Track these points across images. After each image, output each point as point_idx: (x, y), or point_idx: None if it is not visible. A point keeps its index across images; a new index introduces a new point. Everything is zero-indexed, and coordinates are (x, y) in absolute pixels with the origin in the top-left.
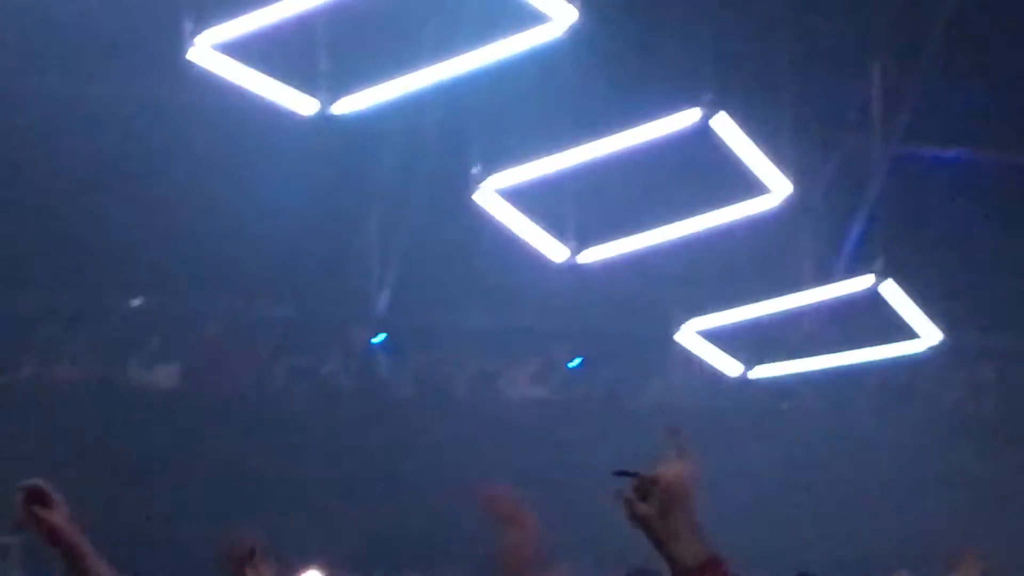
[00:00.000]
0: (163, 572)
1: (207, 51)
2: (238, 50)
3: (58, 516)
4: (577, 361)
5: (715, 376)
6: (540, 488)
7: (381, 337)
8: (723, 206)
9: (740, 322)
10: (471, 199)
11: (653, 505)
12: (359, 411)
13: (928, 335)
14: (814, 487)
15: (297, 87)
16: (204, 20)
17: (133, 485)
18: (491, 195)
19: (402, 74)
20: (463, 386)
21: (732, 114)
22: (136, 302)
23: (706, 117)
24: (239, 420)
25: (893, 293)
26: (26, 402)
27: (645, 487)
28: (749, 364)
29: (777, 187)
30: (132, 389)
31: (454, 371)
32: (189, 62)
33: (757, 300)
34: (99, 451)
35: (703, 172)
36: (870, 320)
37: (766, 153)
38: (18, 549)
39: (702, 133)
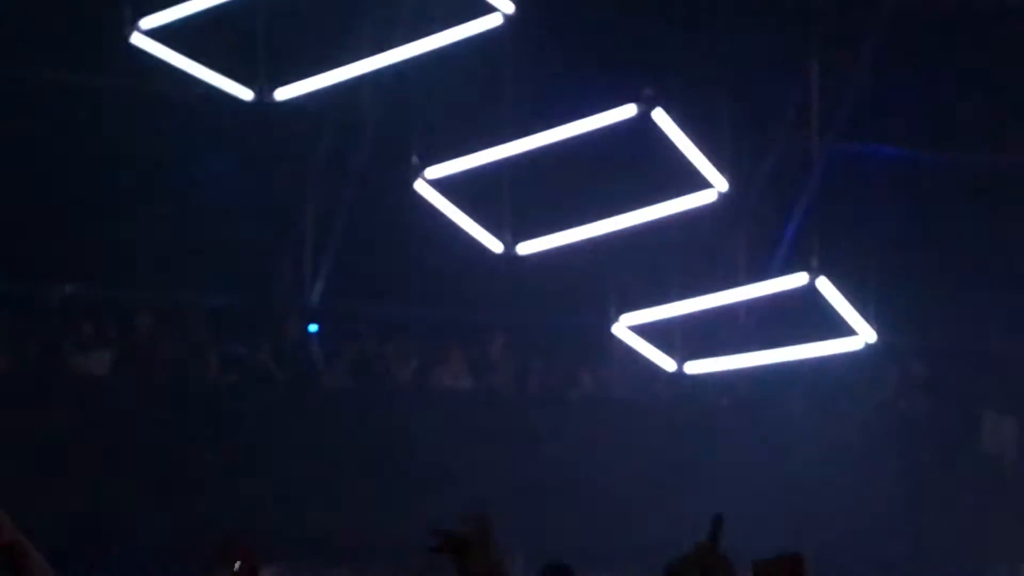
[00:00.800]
0: (89, 556)
1: (147, 36)
2: (177, 36)
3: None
4: (509, 354)
5: (651, 370)
6: (473, 480)
7: (314, 327)
8: (660, 201)
9: (676, 317)
10: (409, 189)
11: None
12: (292, 400)
13: (862, 332)
14: (747, 481)
15: (235, 74)
16: (143, 6)
17: (63, 471)
18: (429, 185)
19: (341, 62)
20: (397, 376)
21: (669, 110)
22: (69, 288)
23: (643, 112)
24: (171, 408)
25: (827, 290)
26: None
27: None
28: (684, 359)
29: (714, 183)
30: (64, 376)
31: (388, 361)
32: (127, 47)
33: (693, 295)
34: (29, 438)
35: (640, 167)
36: (805, 317)
37: (703, 149)
38: None
39: (639, 128)
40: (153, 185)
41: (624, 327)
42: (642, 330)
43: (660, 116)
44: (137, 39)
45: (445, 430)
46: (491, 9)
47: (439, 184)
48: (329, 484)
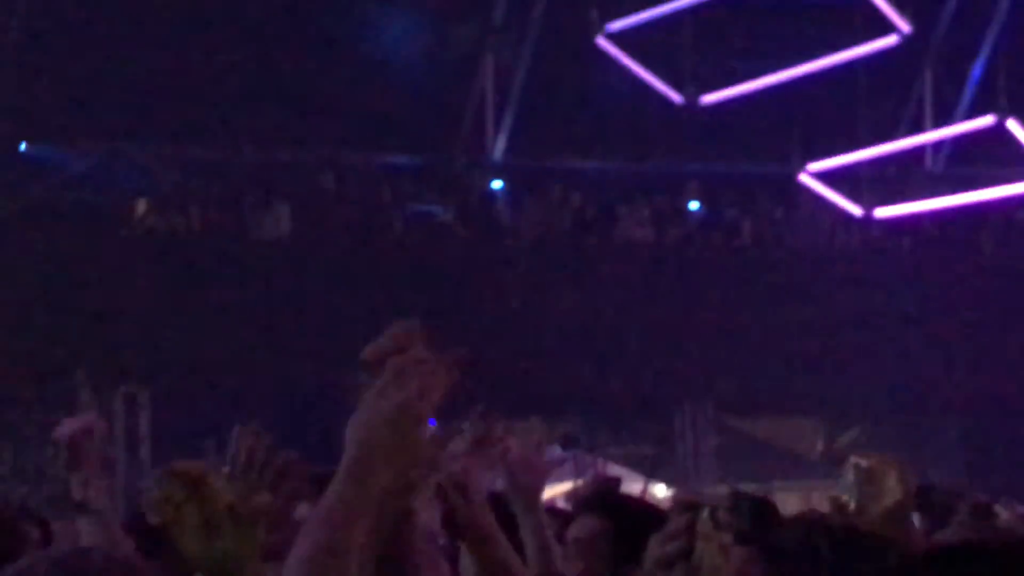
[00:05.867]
0: (276, 417)
1: None
2: None
3: None
4: (696, 204)
5: (837, 216)
6: (652, 330)
7: (499, 183)
8: (843, 46)
9: (862, 162)
10: (590, 42)
11: None
12: (475, 257)
13: None
14: (937, 322)
15: None
16: None
17: (247, 333)
18: (610, 39)
19: None
20: (581, 228)
21: None
22: (253, 151)
23: None
24: (354, 269)
25: (1016, 131)
26: (141, 251)
27: None
28: (871, 204)
29: (897, 25)
30: (246, 238)
31: (572, 214)
32: None
33: (878, 141)
34: (213, 301)
35: (821, 12)
36: (993, 158)
37: None
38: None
39: None
40: (333, 46)
41: (811, 174)
42: (829, 176)
43: None
44: None
45: (629, 281)
46: None
47: (620, 37)
48: (518, 338)
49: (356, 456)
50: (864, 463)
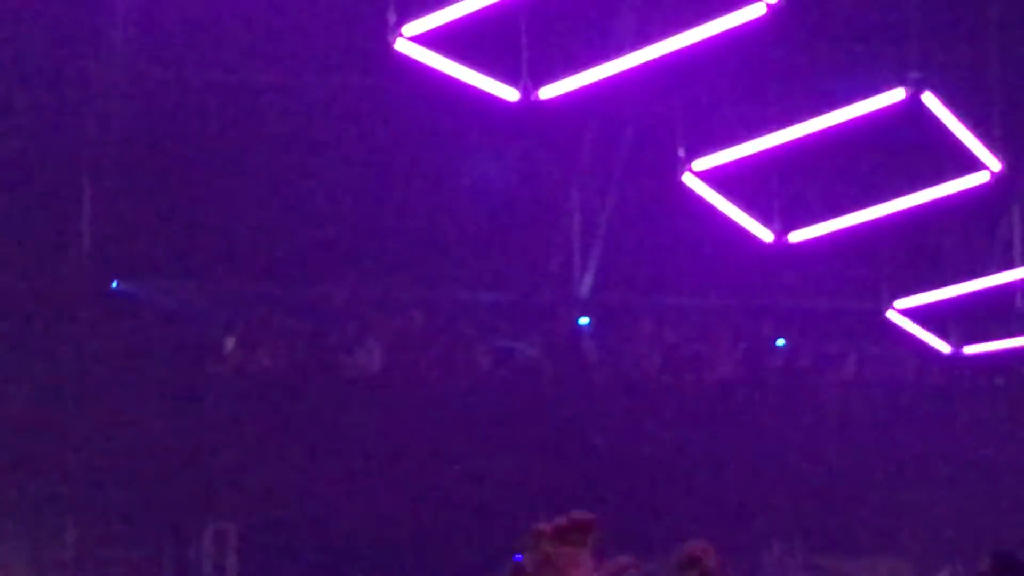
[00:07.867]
0: (367, 554)
1: (411, 42)
2: (441, 39)
3: None
4: (782, 341)
5: (926, 354)
6: (740, 466)
7: (585, 320)
8: (932, 183)
9: (951, 299)
10: (675, 180)
11: None
12: (562, 394)
13: None
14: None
15: (499, 74)
16: (407, 12)
17: (337, 471)
18: (696, 177)
19: (604, 57)
20: (665, 367)
21: (938, 90)
22: (341, 289)
23: (912, 96)
24: (442, 405)
25: None
26: (231, 388)
27: None
28: (959, 342)
29: (986, 163)
30: (335, 375)
31: (657, 352)
32: (394, 52)
33: (968, 278)
34: (302, 438)
35: (910, 149)
36: None
37: (973, 129)
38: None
39: (908, 112)
40: (424, 184)
41: (900, 311)
42: (918, 313)
43: (928, 98)
44: (401, 44)
45: (716, 418)
46: None
47: (707, 175)
48: (600, 478)
49: None
50: None
